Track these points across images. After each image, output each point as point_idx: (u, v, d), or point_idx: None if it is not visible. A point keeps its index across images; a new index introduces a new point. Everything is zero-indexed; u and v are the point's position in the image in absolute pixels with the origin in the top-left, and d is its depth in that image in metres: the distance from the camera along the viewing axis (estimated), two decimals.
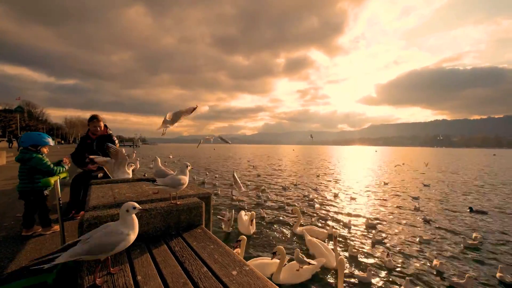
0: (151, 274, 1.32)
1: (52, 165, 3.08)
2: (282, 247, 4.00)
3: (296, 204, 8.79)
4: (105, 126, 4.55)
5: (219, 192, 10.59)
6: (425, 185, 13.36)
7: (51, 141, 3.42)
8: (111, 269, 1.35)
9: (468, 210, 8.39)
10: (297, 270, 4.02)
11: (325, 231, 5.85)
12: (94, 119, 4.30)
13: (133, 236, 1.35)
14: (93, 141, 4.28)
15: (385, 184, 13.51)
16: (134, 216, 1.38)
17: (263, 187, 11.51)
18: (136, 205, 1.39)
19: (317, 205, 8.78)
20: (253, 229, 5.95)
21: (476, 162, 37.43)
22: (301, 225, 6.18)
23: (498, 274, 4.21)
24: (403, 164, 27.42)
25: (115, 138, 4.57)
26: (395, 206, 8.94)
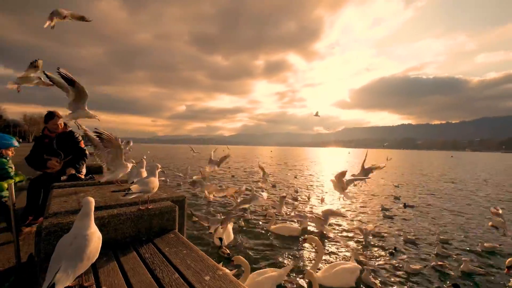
0: (117, 283, 1.25)
1: (11, 171, 2.82)
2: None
3: (273, 203, 8.92)
4: (64, 124, 4.22)
5: (197, 193, 10.40)
6: (395, 186, 14.28)
7: (15, 142, 3.12)
8: (84, 280, 1.25)
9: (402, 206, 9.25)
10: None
11: (296, 227, 6.12)
12: (54, 116, 3.94)
13: (95, 233, 1.24)
14: (52, 140, 3.93)
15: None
16: (92, 213, 1.28)
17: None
18: (91, 200, 1.29)
19: (295, 203, 9.00)
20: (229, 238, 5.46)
21: (436, 163, 40.86)
22: (275, 224, 6.34)
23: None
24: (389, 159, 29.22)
25: (78, 135, 4.26)
26: (362, 204, 9.45)
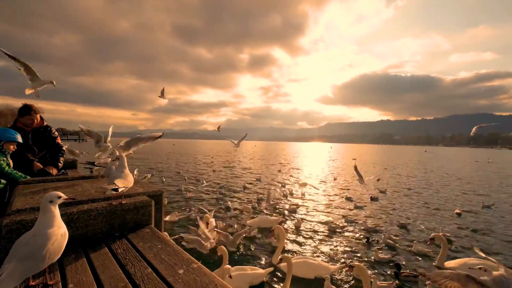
0: (85, 281, 1.20)
1: (8, 168, 2.64)
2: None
3: (253, 198, 9.01)
4: (41, 117, 3.97)
5: (182, 188, 10.30)
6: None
7: (19, 138, 2.96)
8: (31, 282, 1.16)
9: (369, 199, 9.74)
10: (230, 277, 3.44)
11: (276, 218, 6.35)
12: (30, 111, 3.66)
13: (56, 232, 1.16)
14: (27, 135, 3.69)
15: (335, 179, 14.52)
16: (55, 208, 1.22)
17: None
18: (61, 194, 1.23)
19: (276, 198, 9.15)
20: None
21: (410, 158, 43.12)
22: (252, 218, 6.41)
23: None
24: (355, 159, 30.41)
25: (54, 131, 4.03)
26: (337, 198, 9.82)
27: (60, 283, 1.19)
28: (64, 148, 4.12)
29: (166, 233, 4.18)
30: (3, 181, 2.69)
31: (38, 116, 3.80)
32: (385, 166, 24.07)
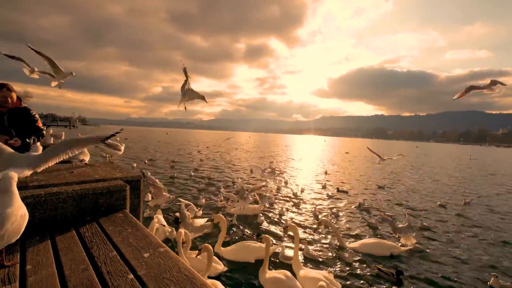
0: (45, 262, 1.18)
1: None
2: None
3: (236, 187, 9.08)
4: (19, 98, 3.80)
5: (175, 175, 10.29)
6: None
7: None
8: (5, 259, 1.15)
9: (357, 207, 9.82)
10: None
11: (257, 206, 6.44)
12: (3, 87, 3.50)
13: (11, 211, 1.10)
14: (3, 115, 3.53)
15: (326, 173, 14.59)
16: (15, 188, 1.17)
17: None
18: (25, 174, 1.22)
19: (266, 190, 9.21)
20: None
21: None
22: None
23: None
24: (347, 153, 30.77)
25: (35, 113, 3.87)
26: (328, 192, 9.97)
27: (19, 264, 1.16)
28: (44, 131, 3.97)
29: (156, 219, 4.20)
30: None
31: (13, 94, 3.61)
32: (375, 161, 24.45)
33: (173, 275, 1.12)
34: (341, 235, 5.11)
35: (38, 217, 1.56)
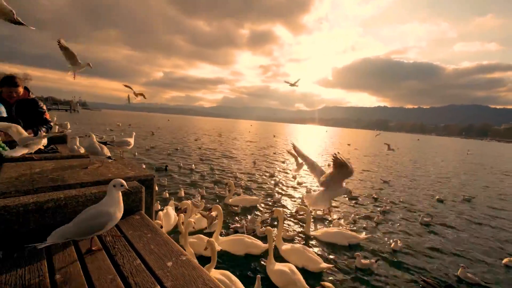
0: (72, 272, 1.20)
1: None
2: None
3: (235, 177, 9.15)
4: (26, 88, 3.76)
5: (181, 164, 10.30)
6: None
7: (3, 111, 2.80)
8: (93, 244, 1.42)
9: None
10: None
11: (255, 198, 6.51)
12: (11, 83, 3.45)
13: (119, 214, 1.44)
14: (11, 106, 3.52)
15: (328, 165, 14.69)
16: (120, 193, 1.48)
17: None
18: (124, 182, 1.50)
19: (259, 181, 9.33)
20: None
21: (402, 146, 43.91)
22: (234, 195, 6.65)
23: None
24: (349, 145, 30.81)
25: (42, 105, 3.85)
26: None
27: (48, 273, 1.18)
28: (51, 124, 3.98)
29: (158, 221, 4.30)
30: None
31: (18, 88, 3.59)
32: (376, 153, 24.52)
33: (198, 287, 1.14)
34: (311, 222, 5.32)
35: (59, 220, 1.57)
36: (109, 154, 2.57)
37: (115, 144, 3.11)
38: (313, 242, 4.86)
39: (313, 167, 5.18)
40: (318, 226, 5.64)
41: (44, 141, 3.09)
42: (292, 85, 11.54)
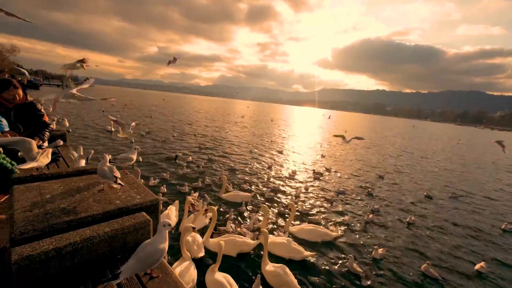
0: None
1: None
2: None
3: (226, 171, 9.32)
4: (24, 92, 3.74)
5: (180, 154, 10.39)
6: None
7: (5, 124, 2.78)
8: (154, 273, 1.81)
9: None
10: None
11: (248, 194, 6.62)
12: (10, 85, 3.43)
13: (166, 248, 1.80)
14: (10, 111, 3.52)
15: (323, 156, 14.92)
16: (167, 231, 1.84)
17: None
18: (170, 223, 1.86)
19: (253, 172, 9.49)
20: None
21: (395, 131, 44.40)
22: (226, 192, 6.75)
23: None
24: (345, 132, 30.99)
25: (41, 107, 3.85)
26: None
27: None
28: (51, 126, 4.01)
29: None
30: None
31: (19, 90, 3.58)
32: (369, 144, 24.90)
33: None
34: (292, 220, 5.47)
35: (77, 262, 1.72)
36: (118, 175, 2.50)
37: (117, 161, 3.19)
38: (290, 238, 4.95)
39: None
40: (298, 222, 5.81)
41: (48, 156, 3.14)
42: (170, 62, 10.86)
